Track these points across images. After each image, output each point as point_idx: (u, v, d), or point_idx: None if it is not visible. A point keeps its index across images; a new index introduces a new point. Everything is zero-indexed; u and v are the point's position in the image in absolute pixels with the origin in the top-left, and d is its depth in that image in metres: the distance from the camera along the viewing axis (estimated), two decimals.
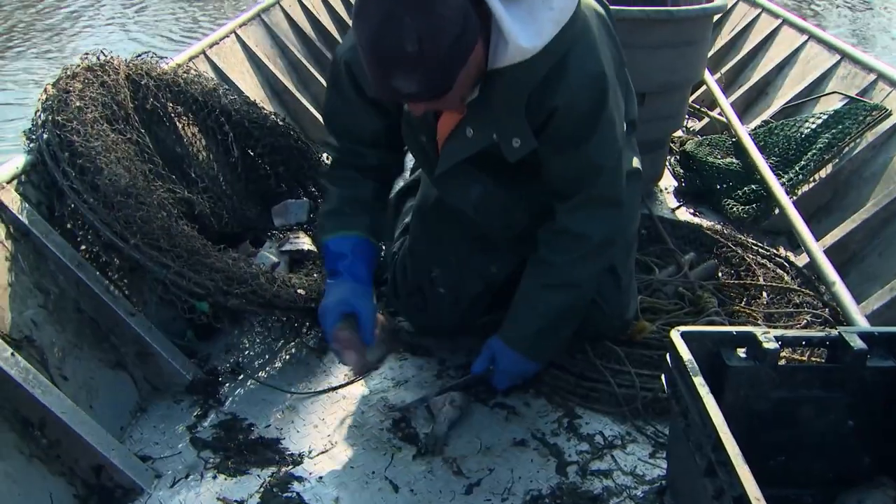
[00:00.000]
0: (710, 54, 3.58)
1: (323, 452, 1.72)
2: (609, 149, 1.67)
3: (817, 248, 2.41)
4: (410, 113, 1.69)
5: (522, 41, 1.45)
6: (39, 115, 1.88)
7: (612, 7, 2.53)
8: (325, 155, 2.60)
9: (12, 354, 1.53)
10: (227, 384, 1.92)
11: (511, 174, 1.73)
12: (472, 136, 1.65)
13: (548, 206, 1.78)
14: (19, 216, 1.75)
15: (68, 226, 1.81)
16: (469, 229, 1.89)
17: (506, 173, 1.73)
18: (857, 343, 1.45)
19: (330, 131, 1.89)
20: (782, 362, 1.53)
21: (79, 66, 2.03)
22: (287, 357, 2.04)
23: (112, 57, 2.12)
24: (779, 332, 1.48)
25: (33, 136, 1.88)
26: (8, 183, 1.77)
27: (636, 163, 1.98)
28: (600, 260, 1.80)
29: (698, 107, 3.76)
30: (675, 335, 1.45)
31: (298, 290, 1.94)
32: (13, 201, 1.76)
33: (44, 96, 1.91)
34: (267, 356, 2.04)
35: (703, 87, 3.73)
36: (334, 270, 1.79)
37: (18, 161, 1.83)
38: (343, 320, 1.73)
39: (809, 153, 2.89)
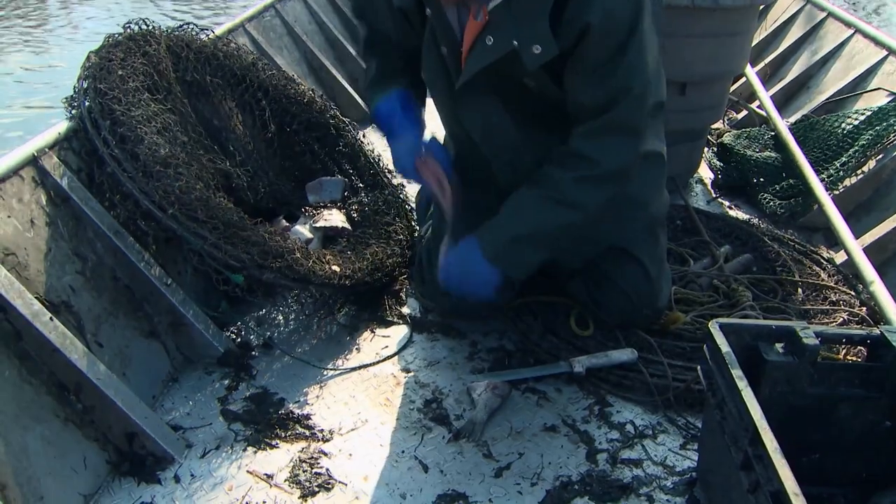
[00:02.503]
0: (752, 45, 3.53)
1: (353, 430, 1.72)
2: (639, 73, 1.63)
3: (856, 246, 2.37)
4: (435, 21, 1.70)
5: None
6: (82, 83, 1.89)
7: None
8: (360, 133, 2.60)
9: (51, 319, 1.55)
10: (259, 358, 1.93)
11: (525, 106, 1.73)
12: (491, 44, 1.63)
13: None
14: (60, 182, 1.77)
15: (107, 194, 1.82)
16: (493, 210, 1.87)
17: (520, 104, 1.73)
18: None
19: (359, 19, 1.97)
20: (820, 359, 1.51)
21: (121, 35, 2.04)
22: (319, 333, 2.04)
23: (154, 27, 2.13)
24: (818, 328, 1.46)
25: (75, 103, 1.88)
26: (50, 149, 1.78)
27: (659, 147, 1.96)
28: (607, 189, 1.73)
29: (737, 99, 3.71)
30: (713, 327, 1.44)
31: (333, 267, 1.94)
32: (54, 167, 1.77)
33: (87, 64, 1.92)
34: (299, 331, 2.04)
35: (743, 80, 3.67)
36: (390, 130, 1.87)
37: (60, 127, 1.85)
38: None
39: (851, 150, 2.83)
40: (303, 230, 2.19)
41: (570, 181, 1.70)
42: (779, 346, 1.47)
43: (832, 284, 2.31)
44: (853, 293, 2.27)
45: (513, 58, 1.61)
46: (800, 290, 2.27)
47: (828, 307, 2.20)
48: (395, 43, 1.88)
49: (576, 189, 1.70)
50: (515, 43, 1.59)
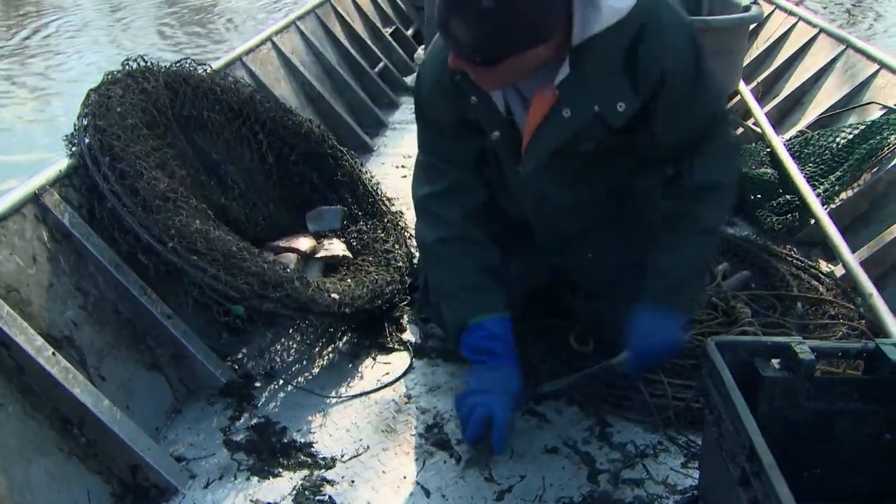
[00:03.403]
0: (744, 64, 3.55)
1: (355, 457, 1.73)
2: (719, 95, 1.76)
3: (853, 260, 2.39)
4: (482, 108, 1.68)
5: (613, 1, 1.48)
6: (82, 120, 1.92)
7: None
8: (359, 161, 2.63)
9: (53, 354, 1.56)
10: (261, 387, 1.94)
11: (576, 169, 1.77)
12: (569, 116, 1.61)
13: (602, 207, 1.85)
14: (61, 218, 1.79)
15: (107, 229, 1.85)
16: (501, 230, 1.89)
17: (571, 169, 1.77)
18: None
19: (432, 166, 1.87)
20: (818, 374, 1.51)
21: (120, 72, 2.08)
22: (320, 361, 2.05)
23: (152, 63, 2.16)
24: (814, 343, 1.46)
25: (75, 140, 1.91)
26: (51, 186, 1.81)
27: None
28: (730, 200, 1.85)
29: (733, 117, 3.73)
30: (709, 345, 1.44)
31: (332, 295, 1.96)
32: (55, 204, 1.80)
33: (86, 101, 1.95)
34: (300, 360, 2.06)
35: (738, 97, 3.70)
36: (490, 350, 1.74)
37: (61, 164, 1.88)
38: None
39: (846, 164, 2.85)
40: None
41: (705, 211, 1.76)
42: (775, 361, 1.48)
43: (831, 298, 2.32)
44: (852, 306, 2.28)
45: (591, 123, 1.62)
46: (799, 304, 2.28)
47: (827, 321, 2.21)
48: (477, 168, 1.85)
49: (711, 216, 1.78)
50: (597, 108, 1.60)
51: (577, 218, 1.88)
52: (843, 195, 2.83)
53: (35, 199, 1.77)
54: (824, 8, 8.92)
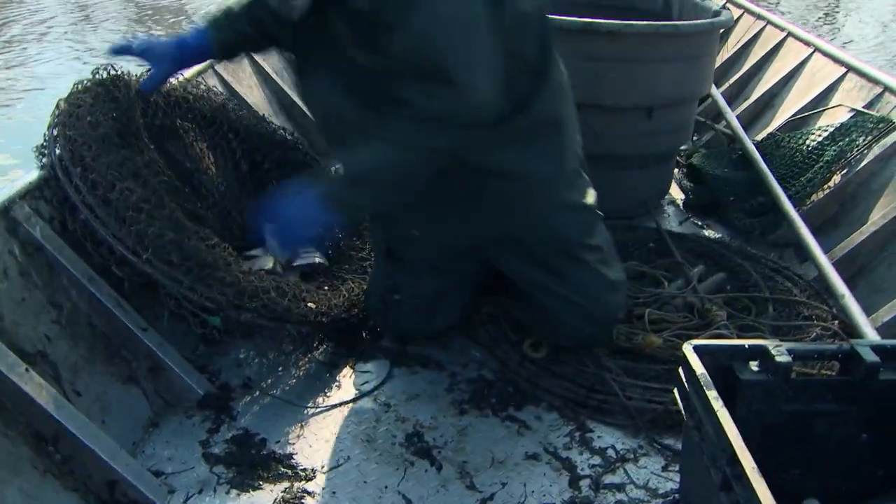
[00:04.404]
0: (715, 67, 3.58)
1: (335, 467, 1.72)
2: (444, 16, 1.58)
3: (825, 261, 2.41)
4: None
5: None
6: (52, 130, 1.89)
7: (617, 22, 2.58)
8: (333, 168, 2.61)
9: (27, 370, 1.54)
10: (239, 399, 1.92)
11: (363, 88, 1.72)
12: None
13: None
14: (32, 231, 1.76)
15: (81, 241, 1.82)
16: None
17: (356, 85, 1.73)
18: (870, 356, 1.44)
19: None
20: (794, 375, 1.53)
21: (90, 80, 2.05)
22: (298, 371, 2.04)
23: (122, 72, 2.13)
24: (791, 345, 1.48)
25: (45, 151, 1.88)
26: (21, 199, 1.78)
27: (591, 197, 2.00)
28: (437, 132, 1.66)
29: (704, 119, 3.76)
30: (687, 349, 1.45)
31: (309, 304, 1.94)
32: (26, 217, 1.76)
33: (56, 111, 1.92)
34: (278, 371, 2.04)
35: (709, 100, 3.73)
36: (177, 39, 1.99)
37: (31, 176, 1.84)
38: None
39: (816, 166, 2.89)
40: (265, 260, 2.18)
41: (401, 124, 1.65)
42: (753, 364, 1.49)
43: (804, 300, 2.34)
44: (825, 307, 2.30)
45: None
46: (772, 306, 2.30)
47: (801, 322, 2.23)
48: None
49: (405, 131, 1.66)
50: None
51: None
52: (815, 197, 2.87)
53: (4, 212, 1.73)
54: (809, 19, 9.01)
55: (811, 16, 9.36)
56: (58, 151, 1.83)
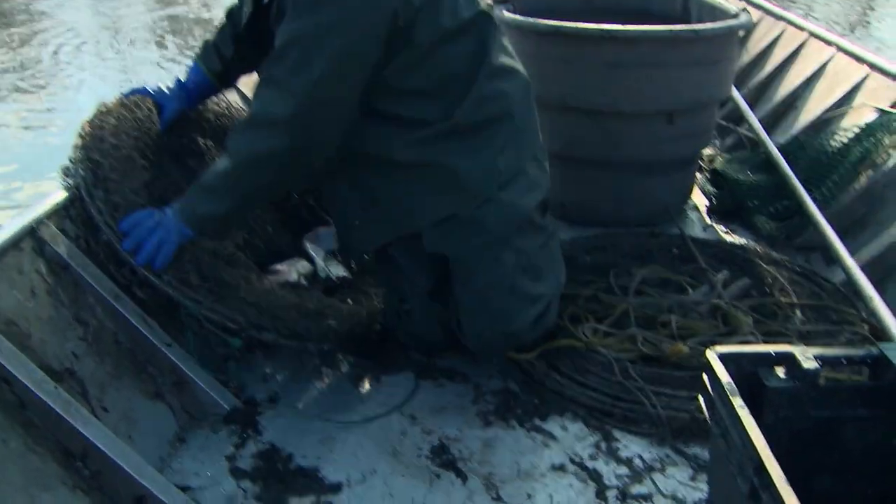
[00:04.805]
0: (736, 70, 3.56)
1: (362, 481, 1.72)
2: (291, 52, 1.73)
3: (853, 264, 2.38)
4: None
5: None
6: (76, 152, 1.91)
7: (635, 28, 2.57)
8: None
9: (55, 387, 1.56)
10: (265, 413, 1.93)
11: None
12: None
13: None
14: (58, 250, 1.79)
15: (104, 261, 1.84)
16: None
17: None
18: None
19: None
20: (822, 381, 1.51)
21: (113, 102, 2.07)
22: (323, 385, 2.05)
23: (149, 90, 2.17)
24: (818, 350, 1.46)
25: (70, 173, 1.91)
26: (48, 218, 1.81)
27: (531, 200, 1.96)
28: (251, 133, 1.81)
29: (727, 123, 3.74)
30: (711, 356, 1.44)
31: (330, 321, 1.95)
32: (52, 237, 1.79)
33: (80, 133, 1.95)
34: (304, 385, 2.05)
35: (731, 103, 3.71)
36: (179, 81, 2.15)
37: (57, 197, 1.87)
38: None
39: (842, 167, 2.86)
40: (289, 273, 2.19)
41: (232, 133, 1.87)
42: (779, 370, 1.47)
43: (832, 304, 2.31)
44: (854, 311, 2.28)
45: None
46: (799, 311, 2.27)
47: (829, 327, 2.20)
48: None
49: (234, 136, 1.85)
50: None
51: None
52: (841, 199, 2.83)
53: (32, 232, 1.76)
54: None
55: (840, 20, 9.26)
56: (82, 173, 1.85)
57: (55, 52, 7.77)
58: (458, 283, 1.92)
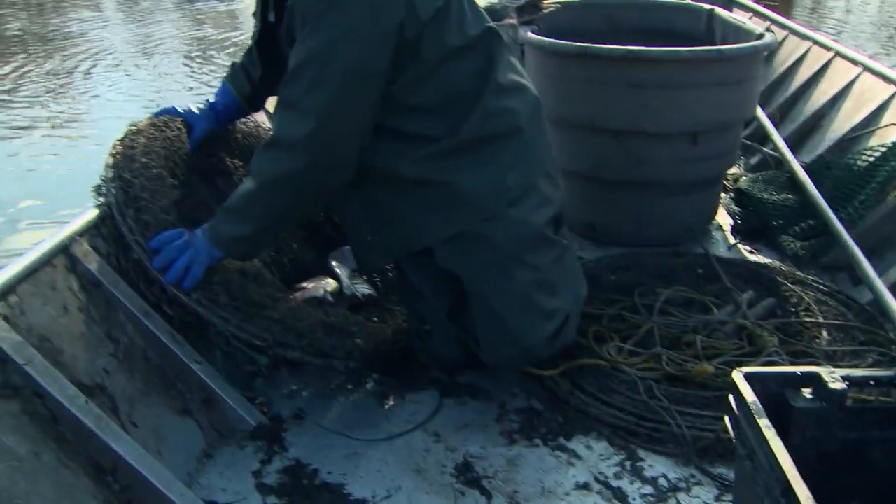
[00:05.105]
0: (761, 89, 3.56)
1: (386, 497, 1.73)
2: (311, 67, 1.75)
3: (881, 284, 2.37)
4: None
5: None
6: (108, 171, 1.95)
7: (660, 49, 2.59)
8: None
9: (86, 402, 1.58)
10: (291, 430, 1.95)
11: None
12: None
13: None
14: (90, 268, 1.82)
15: (134, 279, 1.88)
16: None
17: None
18: None
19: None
20: (849, 402, 1.50)
21: (143, 122, 2.11)
22: (349, 402, 2.06)
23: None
24: (845, 371, 1.45)
25: (102, 191, 1.95)
26: (80, 236, 1.85)
27: (542, 216, 1.95)
28: (271, 155, 1.83)
29: (751, 143, 3.73)
30: (737, 376, 1.44)
31: (356, 340, 1.96)
32: (85, 254, 1.83)
33: (112, 152, 1.98)
34: (329, 401, 2.07)
35: (756, 122, 3.70)
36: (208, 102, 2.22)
37: (89, 215, 1.91)
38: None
39: (869, 187, 2.84)
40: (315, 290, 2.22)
41: (257, 156, 1.87)
42: (806, 391, 1.47)
43: (859, 324, 2.30)
44: (882, 332, 2.26)
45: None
46: (825, 332, 2.26)
47: (856, 347, 2.19)
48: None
49: (256, 158, 1.87)
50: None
51: None
52: (868, 218, 2.81)
53: (65, 249, 1.80)
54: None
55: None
56: (113, 192, 1.89)
57: (88, 72, 7.93)
58: (471, 300, 1.92)
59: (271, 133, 1.88)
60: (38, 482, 1.47)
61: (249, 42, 2.20)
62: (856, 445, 1.45)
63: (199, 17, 10.85)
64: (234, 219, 1.85)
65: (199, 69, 8.07)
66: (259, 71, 2.17)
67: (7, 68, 8.00)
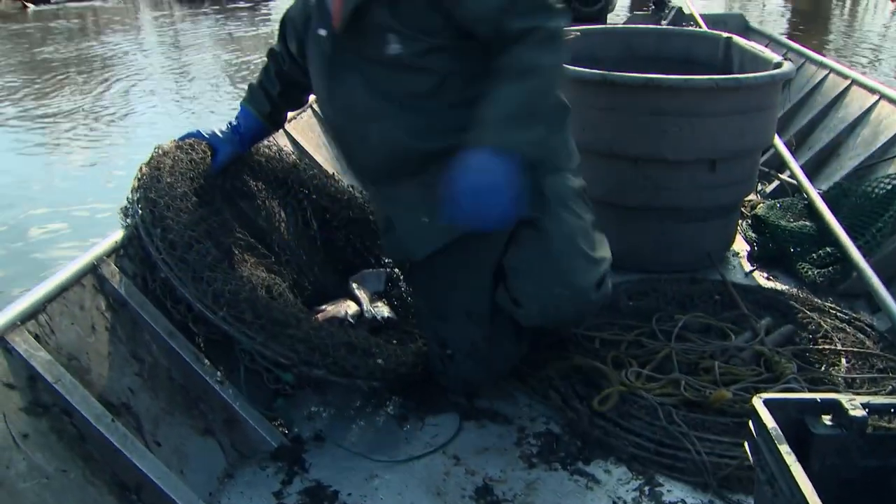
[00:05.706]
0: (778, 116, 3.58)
1: None
2: None
3: None
4: (316, 8, 2.01)
5: None
6: (134, 193, 1.99)
7: (678, 77, 2.61)
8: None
9: (112, 420, 1.61)
10: (311, 451, 1.96)
11: (389, 83, 1.93)
12: None
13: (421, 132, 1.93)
14: (117, 288, 1.86)
15: (161, 298, 1.90)
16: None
17: (384, 80, 1.93)
18: None
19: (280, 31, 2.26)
20: (870, 430, 1.50)
21: (169, 144, 2.15)
22: (369, 424, 2.08)
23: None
24: (866, 398, 1.46)
25: (129, 212, 1.98)
26: (107, 256, 1.88)
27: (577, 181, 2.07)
28: (552, 46, 1.82)
29: (768, 170, 3.74)
30: (757, 403, 1.44)
31: (378, 361, 1.98)
32: (112, 274, 1.86)
33: (138, 175, 2.02)
34: (349, 423, 2.08)
35: (773, 150, 3.72)
36: (231, 125, 2.27)
37: (116, 236, 1.95)
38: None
39: (887, 214, 2.85)
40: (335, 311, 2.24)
41: (525, 50, 1.79)
42: (826, 418, 1.47)
43: (878, 351, 2.30)
44: None
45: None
46: (843, 359, 2.26)
47: (875, 375, 2.19)
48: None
49: (533, 52, 1.79)
50: None
51: (389, 129, 1.95)
52: (885, 246, 2.81)
53: (93, 269, 1.84)
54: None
55: None
56: (140, 212, 1.93)
57: (125, 94, 8.12)
58: (519, 248, 1.92)
59: (542, 30, 1.79)
60: (65, 499, 1.49)
61: (264, 62, 2.29)
62: (876, 473, 1.45)
63: (232, 42, 11.08)
64: (522, 124, 1.78)
65: (236, 95, 8.21)
66: (278, 88, 2.25)
67: (47, 88, 8.23)
